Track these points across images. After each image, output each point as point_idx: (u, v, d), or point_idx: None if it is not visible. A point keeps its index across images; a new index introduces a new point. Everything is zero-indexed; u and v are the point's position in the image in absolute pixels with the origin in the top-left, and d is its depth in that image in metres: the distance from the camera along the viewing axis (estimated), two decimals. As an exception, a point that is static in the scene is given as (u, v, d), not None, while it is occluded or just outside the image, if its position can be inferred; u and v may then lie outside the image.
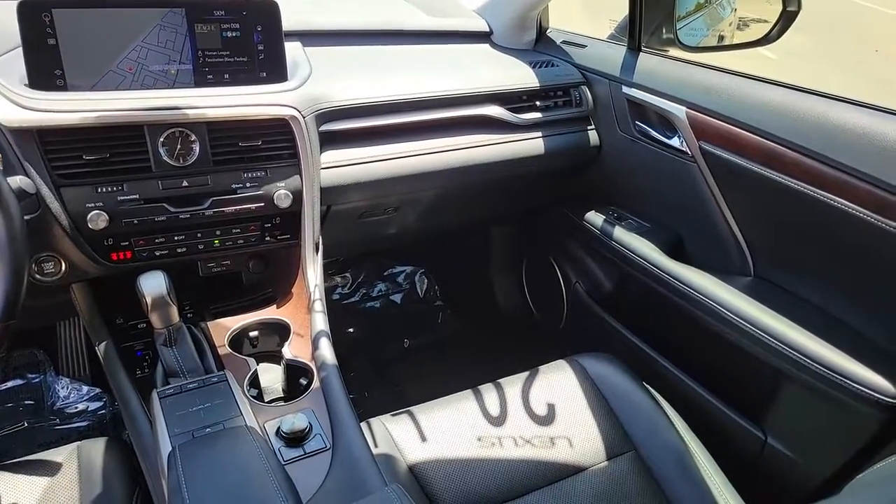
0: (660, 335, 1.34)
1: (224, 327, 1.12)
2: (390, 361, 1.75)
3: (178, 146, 0.99)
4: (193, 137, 0.99)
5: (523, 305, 1.80)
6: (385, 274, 1.90)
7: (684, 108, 1.18)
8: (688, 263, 1.23)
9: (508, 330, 1.81)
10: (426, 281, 1.94)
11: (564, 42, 1.47)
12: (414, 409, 1.05)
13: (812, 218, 1.00)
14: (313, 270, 1.13)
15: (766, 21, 1.26)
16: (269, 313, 1.17)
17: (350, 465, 0.85)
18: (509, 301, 1.83)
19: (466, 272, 1.92)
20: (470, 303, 1.93)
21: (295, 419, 0.89)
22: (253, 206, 1.06)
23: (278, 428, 0.90)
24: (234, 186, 1.04)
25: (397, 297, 1.89)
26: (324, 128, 1.11)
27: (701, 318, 1.15)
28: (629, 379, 1.10)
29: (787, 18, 1.25)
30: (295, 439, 0.89)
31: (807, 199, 0.98)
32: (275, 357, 1.11)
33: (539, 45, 1.49)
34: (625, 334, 1.40)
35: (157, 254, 1.04)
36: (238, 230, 1.08)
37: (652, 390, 1.09)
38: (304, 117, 1.05)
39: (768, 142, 1.04)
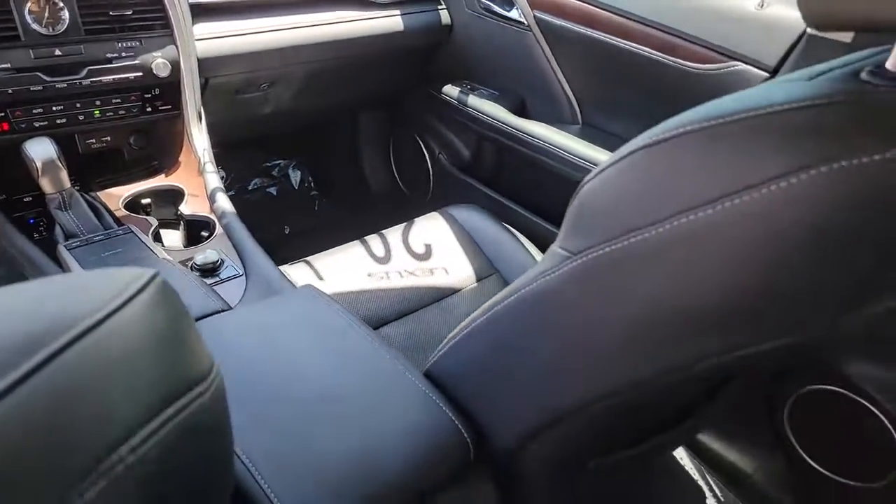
0: (512, 183, 1.56)
1: (116, 196, 1.18)
2: (273, 246, 1.84)
3: (46, 14, 1.01)
4: (61, 5, 1.02)
5: (393, 184, 1.96)
6: (260, 168, 1.97)
7: (520, -19, 1.36)
8: (530, 119, 1.45)
9: (381, 208, 1.96)
10: (300, 172, 2.03)
11: None
12: (308, 258, 1.19)
13: (623, 66, 1.23)
14: (199, 136, 1.21)
15: None
16: (160, 181, 1.23)
17: (265, 284, 0.97)
18: (380, 182, 1.98)
19: (338, 159, 2.04)
20: (343, 188, 2.06)
21: (206, 254, 1.00)
22: (131, 75, 1.10)
23: (191, 263, 1.00)
24: (108, 56, 1.08)
25: (273, 190, 1.97)
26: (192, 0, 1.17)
27: (543, 161, 1.37)
28: (490, 221, 1.30)
29: None
30: (209, 270, 0.99)
31: (618, 51, 1.21)
32: (173, 223, 1.18)
33: None
34: (484, 190, 1.61)
35: (36, 125, 1.06)
36: (119, 100, 1.13)
37: (509, 227, 1.31)
38: None
39: (587, 5, 1.25)
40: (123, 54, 1.09)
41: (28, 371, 0.26)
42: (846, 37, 0.87)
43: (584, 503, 0.79)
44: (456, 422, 0.67)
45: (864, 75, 0.48)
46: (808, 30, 0.97)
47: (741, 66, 1.06)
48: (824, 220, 0.42)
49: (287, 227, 1.91)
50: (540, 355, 0.61)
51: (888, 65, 0.47)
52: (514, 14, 1.40)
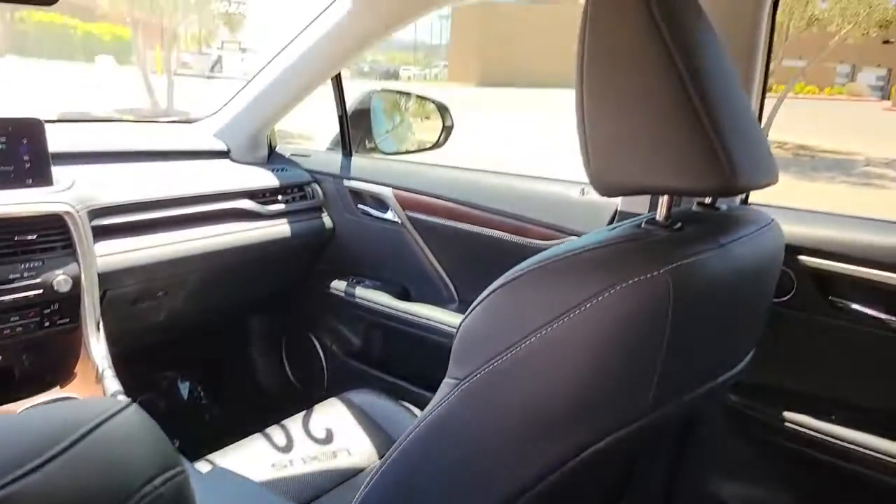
0: (404, 363, 1.68)
1: (6, 412, 1.15)
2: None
3: None
4: None
5: (287, 382, 2.00)
6: (149, 380, 1.94)
7: (391, 189, 1.60)
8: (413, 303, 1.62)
9: (276, 409, 1.97)
10: (188, 384, 2.02)
11: (293, 154, 1.84)
12: (209, 455, 1.20)
13: (486, 249, 1.46)
14: (97, 345, 1.24)
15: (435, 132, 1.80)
16: (54, 394, 1.22)
17: None
18: (273, 381, 2.02)
19: (229, 365, 2.06)
20: (235, 394, 2.06)
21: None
22: (31, 293, 1.16)
23: None
24: (11, 277, 1.14)
25: (161, 403, 1.93)
26: (95, 222, 1.27)
27: (429, 338, 1.52)
28: (387, 400, 1.39)
29: (447, 131, 1.80)
30: None
31: (480, 237, 1.45)
32: None
33: (271, 159, 1.83)
34: (378, 374, 1.70)
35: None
36: (17, 317, 1.16)
37: (406, 405, 1.40)
38: (78, 212, 1.22)
39: (449, 203, 1.50)
40: (26, 274, 1.15)
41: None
42: (644, 206, 1.15)
43: None
44: None
45: (643, 224, 0.70)
46: (619, 207, 1.24)
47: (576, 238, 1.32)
48: (621, 327, 0.58)
49: (177, 441, 1.85)
50: (447, 473, 0.70)
51: (657, 217, 0.69)
52: (389, 215, 1.63)
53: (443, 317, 1.50)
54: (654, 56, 0.61)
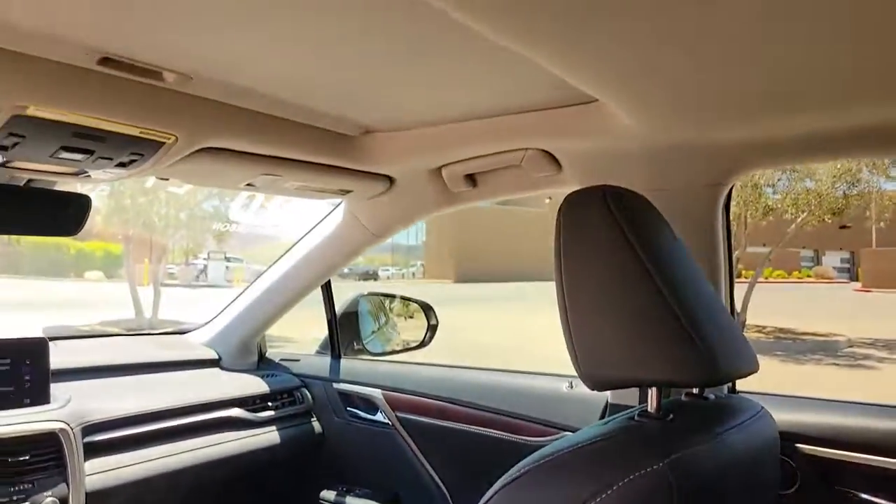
0: None
1: None
2: None
3: None
4: None
5: None
6: None
7: (380, 391, 1.60)
8: None
9: None
10: None
11: (282, 360, 1.85)
12: None
13: (478, 450, 1.43)
14: None
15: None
16: None
17: None
18: None
19: None
20: None
21: None
22: None
23: None
24: (1, 502, 1.09)
25: None
26: (88, 439, 1.25)
27: None
28: None
29: (432, 329, 1.85)
30: None
31: (472, 436, 1.42)
32: None
33: (261, 365, 1.84)
34: None
35: None
36: None
37: None
38: (72, 430, 1.20)
39: (439, 402, 1.50)
40: (15, 498, 1.11)
41: None
42: (633, 397, 1.15)
43: None
44: None
45: (636, 417, 0.71)
46: (609, 400, 1.25)
47: (570, 434, 1.30)
48: None
49: None
50: None
51: (649, 409, 0.71)
52: (379, 417, 1.61)
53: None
54: (625, 261, 0.67)
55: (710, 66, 0.73)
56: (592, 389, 0.72)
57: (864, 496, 1.00)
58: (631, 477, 0.59)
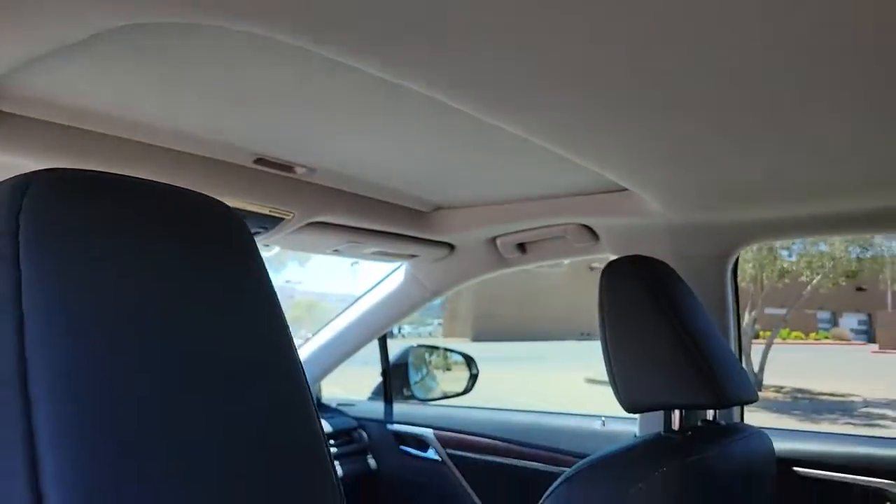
0: None
1: None
2: None
3: None
4: None
5: None
6: None
7: (431, 430, 1.82)
8: None
9: None
10: None
11: (339, 404, 2.07)
12: None
13: (521, 481, 1.63)
14: None
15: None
16: None
17: None
18: None
19: None
20: None
21: None
22: None
23: None
24: None
25: None
26: None
27: None
28: None
29: (473, 378, 2.07)
30: None
31: (516, 469, 1.63)
32: None
33: (320, 410, 2.07)
34: None
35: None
36: None
37: None
38: None
39: (487, 439, 1.71)
40: None
41: None
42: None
43: None
44: None
45: (662, 433, 0.94)
46: (637, 432, 1.46)
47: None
48: None
49: None
50: None
51: (674, 426, 0.94)
52: (430, 454, 1.82)
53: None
54: (654, 313, 0.91)
55: (719, 162, 0.98)
56: (628, 412, 0.95)
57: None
58: (655, 473, 0.81)
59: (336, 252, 1.50)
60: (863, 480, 1.19)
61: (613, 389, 0.94)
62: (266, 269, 0.45)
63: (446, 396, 2.11)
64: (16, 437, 0.30)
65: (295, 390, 0.42)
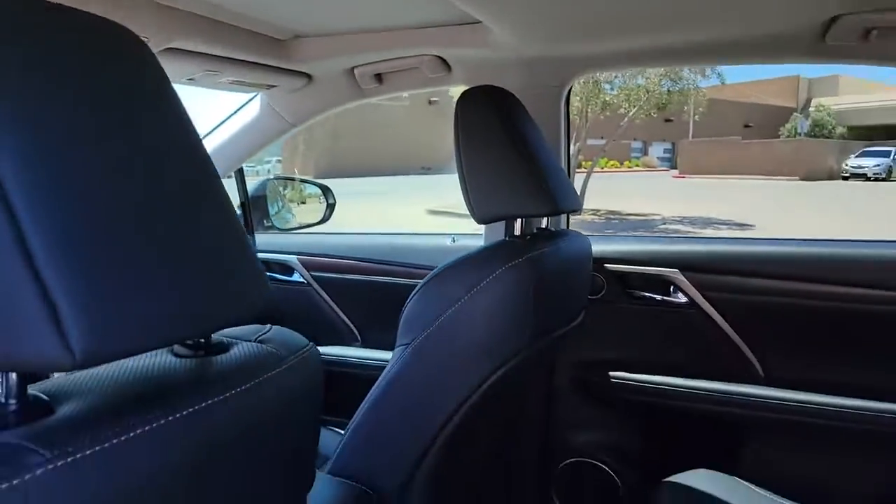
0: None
1: None
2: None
3: None
4: None
5: None
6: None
7: (295, 256, 1.93)
8: None
9: None
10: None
11: None
12: None
13: (381, 295, 1.83)
14: None
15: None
16: None
17: None
18: None
19: None
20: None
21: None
22: None
23: None
24: None
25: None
26: None
27: (337, 371, 1.83)
28: None
29: (330, 208, 2.18)
30: None
31: (376, 285, 1.82)
32: None
33: None
34: None
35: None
36: None
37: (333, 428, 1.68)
38: None
39: (348, 261, 1.87)
40: None
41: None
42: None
43: None
44: (357, 485, 1.04)
45: (508, 238, 1.12)
46: (484, 243, 1.69)
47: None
48: (506, 295, 1.00)
49: None
50: (404, 411, 1.05)
51: (515, 232, 1.13)
52: (295, 277, 1.95)
53: (352, 352, 1.83)
54: (501, 138, 1.06)
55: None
56: (479, 223, 1.13)
57: (644, 294, 1.54)
58: (506, 266, 1.01)
59: (191, 81, 1.46)
60: (655, 270, 1.52)
61: (467, 204, 1.11)
62: (165, 74, 0.51)
63: (306, 226, 2.22)
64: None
65: (212, 175, 0.51)
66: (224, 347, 0.56)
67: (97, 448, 0.39)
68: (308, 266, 1.92)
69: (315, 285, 1.92)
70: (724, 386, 1.46)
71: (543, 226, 1.29)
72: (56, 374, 0.48)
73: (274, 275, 1.99)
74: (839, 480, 1.39)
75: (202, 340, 0.55)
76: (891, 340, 1.34)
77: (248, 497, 0.54)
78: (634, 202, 13.36)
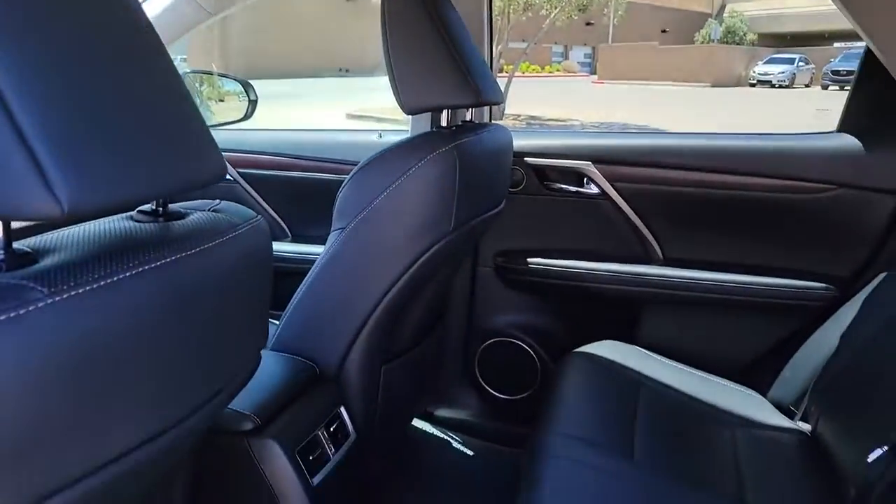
0: None
1: None
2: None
3: None
4: None
5: None
6: None
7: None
8: None
9: None
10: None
11: None
12: None
13: (309, 191, 1.86)
14: None
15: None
16: None
17: None
18: None
19: None
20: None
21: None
22: None
23: None
24: None
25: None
26: None
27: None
28: None
29: (252, 104, 2.14)
30: None
31: (304, 181, 1.85)
32: None
33: None
34: None
35: None
36: None
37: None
38: None
39: (275, 157, 1.87)
40: None
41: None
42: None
43: (383, 392, 1.28)
44: (300, 358, 1.13)
45: (435, 128, 1.18)
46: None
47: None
48: (432, 181, 1.07)
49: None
50: (339, 293, 1.13)
51: (442, 124, 1.18)
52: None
53: (283, 247, 1.88)
54: (431, 33, 1.09)
55: None
56: (407, 114, 1.18)
57: (558, 185, 1.65)
58: (433, 154, 1.07)
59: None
60: (570, 163, 1.63)
61: (395, 96, 1.15)
62: None
63: (226, 123, 2.18)
64: None
65: (163, 51, 0.54)
66: (181, 215, 0.61)
67: (88, 288, 0.45)
68: (232, 163, 1.92)
69: (241, 181, 1.92)
70: (629, 268, 1.62)
71: (468, 119, 1.35)
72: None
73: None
74: (723, 344, 1.60)
75: (160, 209, 0.59)
76: (771, 222, 1.52)
77: (215, 344, 0.61)
78: (555, 108, 13.52)
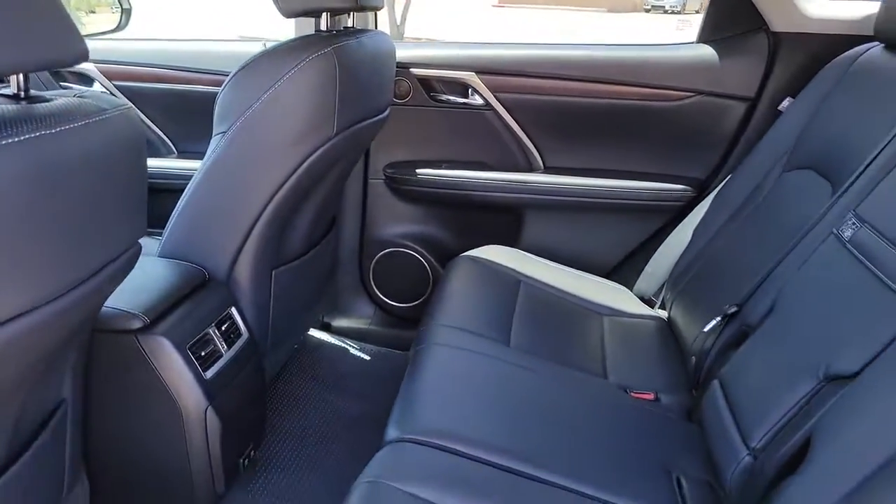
0: None
1: None
2: None
3: None
4: None
5: None
6: None
7: (93, 65, 1.81)
8: None
9: None
10: None
11: None
12: None
13: (192, 104, 1.80)
14: None
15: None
16: None
17: None
18: None
19: None
20: None
21: None
22: None
23: None
24: None
25: None
26: None
27: (157, 183, 1.83)
28: None
29: (126, 14, 2.01)
30: None
31: (186, 94, 1.78)
32: None
33: None
34: None
35: None
36: None
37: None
38: None
39: (154, 69, 1.79)
40: None
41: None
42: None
43: (274, 296, 1.32)
44: (189, 263, 1.15)
45: (316, 31, 1.19)
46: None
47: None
48: (314, 84, 1.09)
49: None
50: (224, 194, 1.14)
51: (322, 27, 1.19)
52: (96, 88, 1.84)
53: (168, 164, 1.83)
54: None
55: None
56: (286, 17, 1.17)
57: (445, 96, 1.70)
58: (314, 55, 1.08)
59: None
60: (455, 74, 1.67)
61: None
62: None
63: (99, 33, 2.04)
64: None
65: None
66: (45, 99, 0.61)
67: None
68: (108, 75, 1.82)
69: (117, 93, 1.83)
70: (513, 176, 1.71)
71: (349, 24, 1.36)
72: None
73: (70, 86, 1.86)
74: (596, 245, 1.75)
75: (22, 93, 0.60)
76: (639, 130, 1.65)
77: (91, 224, 0.63)
78: (449, 33, 13.33)
